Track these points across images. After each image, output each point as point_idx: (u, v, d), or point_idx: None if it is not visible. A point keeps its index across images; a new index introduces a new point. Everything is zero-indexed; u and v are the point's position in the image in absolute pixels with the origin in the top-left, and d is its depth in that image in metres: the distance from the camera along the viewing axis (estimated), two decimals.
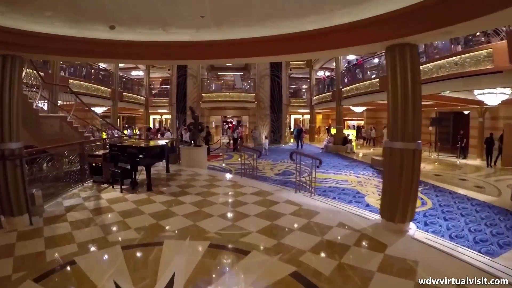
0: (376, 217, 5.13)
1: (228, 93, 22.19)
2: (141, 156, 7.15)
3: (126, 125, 29.46)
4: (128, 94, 22.73)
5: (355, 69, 17.03)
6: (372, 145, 23.14)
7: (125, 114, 32.82)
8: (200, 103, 22.88)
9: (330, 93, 21.02)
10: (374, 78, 14.22)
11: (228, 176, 9.62)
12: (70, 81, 15.14)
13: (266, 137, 18.85)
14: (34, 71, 9.83)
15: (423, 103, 4.93)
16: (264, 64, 22.96)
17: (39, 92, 9.81)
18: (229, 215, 5.40)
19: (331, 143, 19.01)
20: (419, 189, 7.66)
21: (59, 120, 9.76)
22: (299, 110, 30.90)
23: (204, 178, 8.66)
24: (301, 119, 39.47)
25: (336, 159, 15.41)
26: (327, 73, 27.12)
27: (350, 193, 8.66)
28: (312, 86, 26.97)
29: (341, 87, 18.90)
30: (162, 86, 30.88)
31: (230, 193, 7.01)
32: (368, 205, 7.48)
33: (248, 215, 5.29)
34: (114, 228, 4.75)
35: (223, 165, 13.46)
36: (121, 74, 25.13)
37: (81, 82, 16.60)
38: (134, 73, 28.80)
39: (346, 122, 38.23)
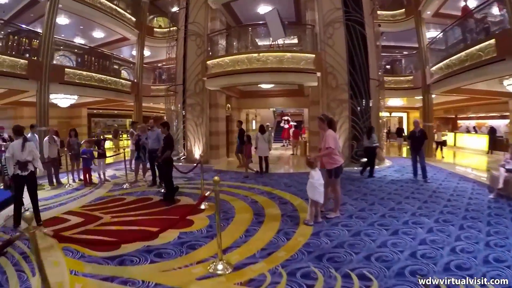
0: None
1: (254, 55, 10.46)
2: None
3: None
4: (78, 71, 12.63)
5: None
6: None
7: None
8: (204, 80, 11.77)
9: (493, 40, 8.34)
10: None
11: None
12: None
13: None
14: None
15: None
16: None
17: None
18: None
19: None
20: None
21: None
22: (389, 102, 17.86)
23: None
24: (386, 118, 25.94)
25: None
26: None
27: None
28: (424, 48, 14.30)
29: None
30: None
31: None
32: None
33: None
34: None
35: None
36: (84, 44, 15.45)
37: None
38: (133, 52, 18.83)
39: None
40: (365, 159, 9.59)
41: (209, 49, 12.14)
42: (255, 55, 10.20)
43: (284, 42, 12.44)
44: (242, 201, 6.18)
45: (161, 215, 5.35)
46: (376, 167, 10.68)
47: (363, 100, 10.75)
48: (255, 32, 13.28)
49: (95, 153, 8.58)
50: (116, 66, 16.41)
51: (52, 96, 13.28)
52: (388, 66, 16.86)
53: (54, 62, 12.70)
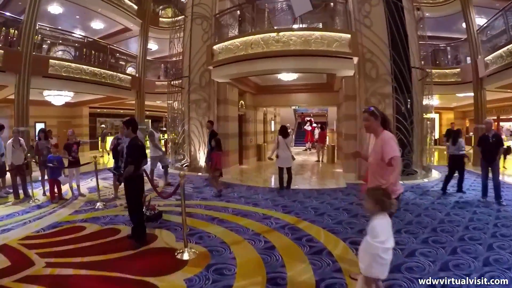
0: None
1: (273, 34, 8.16)
2: None
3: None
4: (66, 63, 10.93)
5: None
6: None
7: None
8: (210, 70, 9.75)
9: None
10: None
11: None
12: None
13: None
14: None
15: None
16: None
17: None
18: None
19: None
20: None
21: None
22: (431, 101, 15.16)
23: None
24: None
25: None
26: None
27: None
28: (474, 35, 11.89)
29: None
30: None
31: None
32: None
33: None
34: None
35: None
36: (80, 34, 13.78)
37: None
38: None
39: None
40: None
41: (216, 39, 10.07)
42: (273, 34, 7.98)
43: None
44: (249, 244, 3.99)
45: (116, 270, 3.28)
46: (425, 180, 8.49)
47: (409, 95, 8.49)
48: (274, 17, 11.17)
49: (65, 161, 6.71)
50: (122, 62, 14.78)
51: (45, 93, 11.71)
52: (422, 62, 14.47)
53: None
